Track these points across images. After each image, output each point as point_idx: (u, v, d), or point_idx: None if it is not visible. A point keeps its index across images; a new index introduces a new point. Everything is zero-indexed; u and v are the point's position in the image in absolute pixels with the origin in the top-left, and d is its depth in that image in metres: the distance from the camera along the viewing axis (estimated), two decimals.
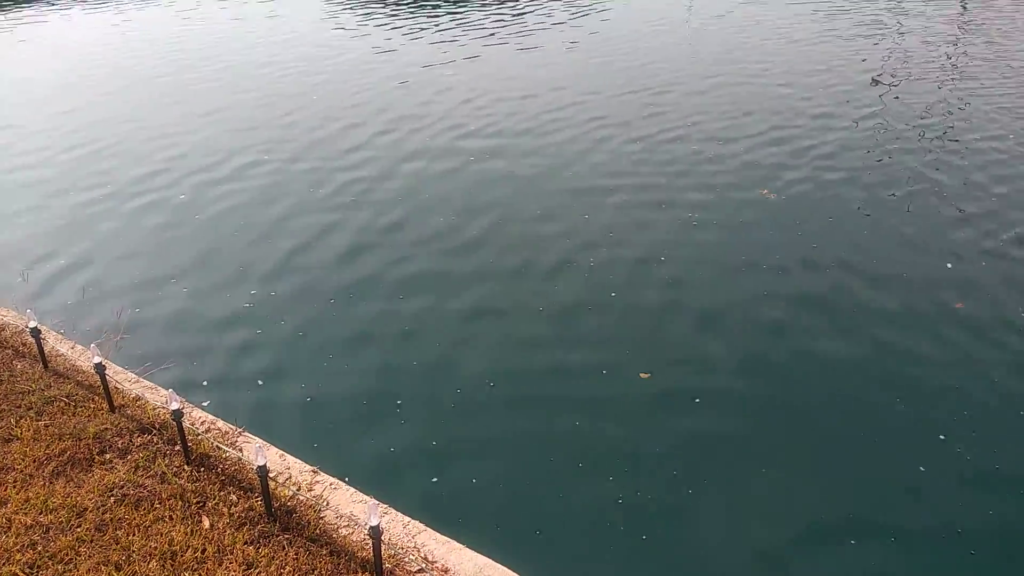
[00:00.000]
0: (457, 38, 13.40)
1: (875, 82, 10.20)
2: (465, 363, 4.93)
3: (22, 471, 3.47)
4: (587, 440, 4.27)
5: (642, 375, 4.75)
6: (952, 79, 10.31)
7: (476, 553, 3.18)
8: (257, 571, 2.99)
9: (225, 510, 3.26)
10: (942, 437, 4.17)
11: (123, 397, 4.03)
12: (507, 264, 6.12)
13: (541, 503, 3.85)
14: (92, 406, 3.95)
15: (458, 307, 5.56)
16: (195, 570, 2.98)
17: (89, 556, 3.02)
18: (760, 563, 3.53)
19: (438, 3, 16.19)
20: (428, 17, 15.00)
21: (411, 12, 15.63)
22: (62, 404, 3.95)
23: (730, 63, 11.39)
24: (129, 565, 2.99)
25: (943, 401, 4.45)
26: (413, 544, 3.21)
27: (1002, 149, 7.94)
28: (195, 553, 3.05)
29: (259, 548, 3.09)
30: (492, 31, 13.77)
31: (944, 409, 4.38)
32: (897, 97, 9.64)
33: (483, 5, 15.93)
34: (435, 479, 4.00)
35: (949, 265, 5.86)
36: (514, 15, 14.99)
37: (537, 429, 4.36)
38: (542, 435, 4.31)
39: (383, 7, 16.18)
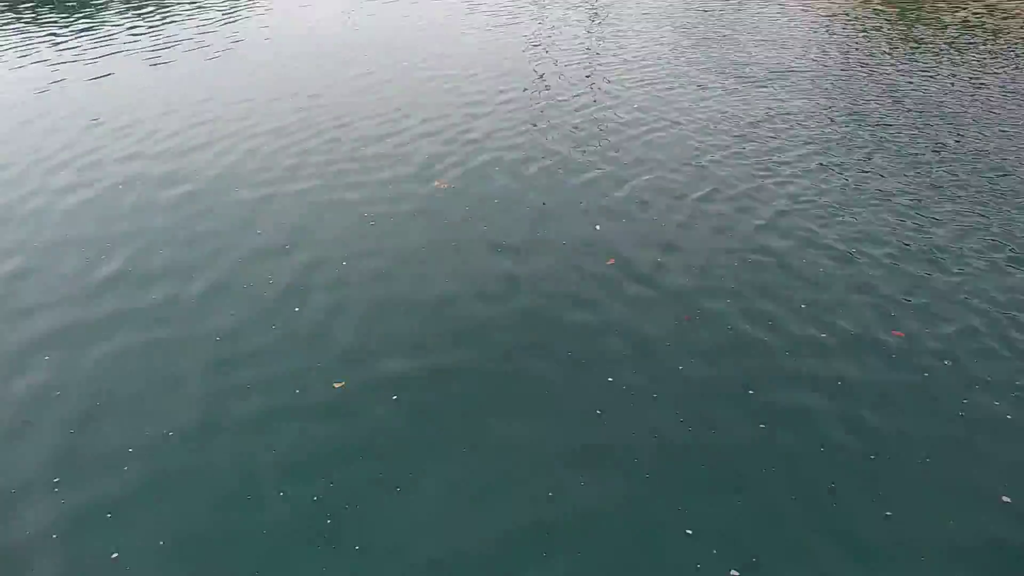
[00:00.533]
0: (79, 53, 11.99)
1: (533, 68, 10.98)
2: (128, 419, 4.42)
3: None
4: (286, 463, 4.06)
5: (335, 384, 4.64)
6: (587, 60, 11.46)
7: None
8: None
9: None
10: (610, 379, 4.62)
11: None
12: (160, 297, 5.59)
13: (244, 550, 3.58)
14: None
15: (100, 356, 4.95)
16: None
17: None
18: (474, 539, 3.62)
19: (55, 30, 14.35)
20: (38, 30, 13.24)
21: (18, 22, 13.69)
22: None
23: (385, 60, 11.56)
24: None
25: (607, 347, 4.92)
26: None
27: (627, 121, 8.98)
28: None
29: None
30: (122, 44, 12.54)
31: (610, 355, 4.85)
32: (540, 79, 10.49)
33: (113, 16, 14.45)
34: (115, 555, 3.53)
35: (598, 227, 6.48)
36: (149, 27, 13.80)
37: (228, 468, 4.05)
38: (237, 473, 4.01)
39: None
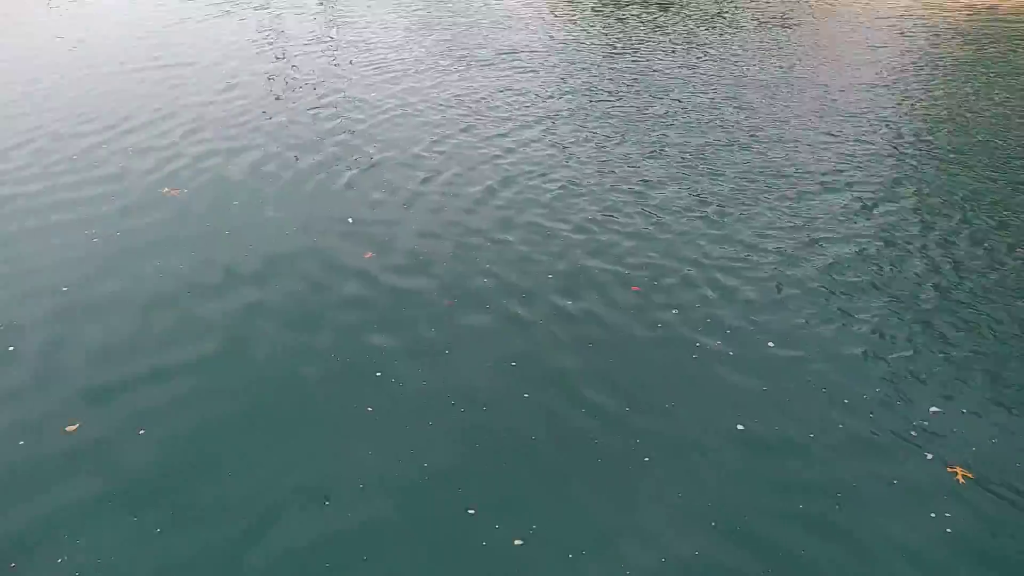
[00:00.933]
0: None
1: (258, 59, 10.39)
2: None
3: None
4: (21, 533, 3.54)
5: (67, 428, 4.11)
6: (316, 48, 11.10)
7: None
8: None
9: None
10: (379, 374, 4.55)
11: None
12: None
13: None
14: None
15: None
16: None
17: None
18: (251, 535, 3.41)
19: None
20: None
21: None
22: None
23: (90, 54, 10.40)
24: None
25: (373, 343, 4.84)
26: None
27: (360, 109, 8.85)
28: None
29: None
30: None
31: (377, 351, 4.76)
32: (267, 70, 10.00)
33: None
34: None
35: (350, 220, 6.33)
36: None
37: None
38: None
39: None
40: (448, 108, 8.82)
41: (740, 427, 4.24)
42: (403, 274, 5.60)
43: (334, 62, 10.47)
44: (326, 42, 11.45)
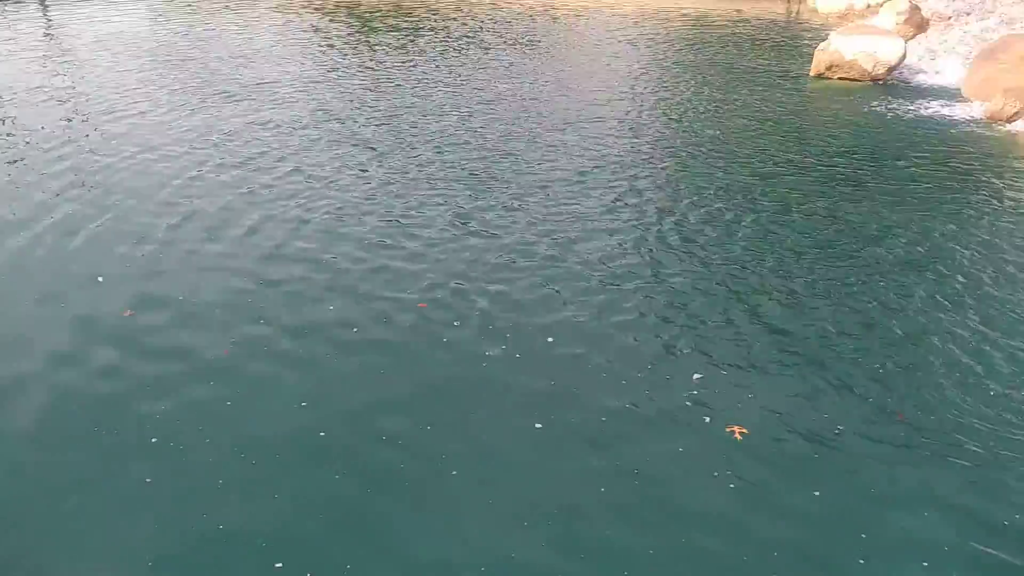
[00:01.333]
0: None
1: None
2: None
3: None
4: None
5: None
6: (33, 98, 9.99)
7: None
8: None
9: None
10: (154, 440, 4.14)
11: None
12: None
13: None
14: None
15: None
16: None
17: None
18: None
19: None
20: None
21: None
22: None
23: None
24: None
25: (145, 408, 4.40)
26: None
27: (83, 162, 8.11)
28: None
29: None
30: None
31: (149, 415, 4.34)
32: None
33: None
34: None
35: (100, 279, 5.73)
36: None
37: None
38: None
39: None
40: (194, 147, 8.29)
41: (538, 425, 4.34)
42: (169, 328, 5.15)
43: (60, 113, 9.46)
44: (48, 90, 10.34)
